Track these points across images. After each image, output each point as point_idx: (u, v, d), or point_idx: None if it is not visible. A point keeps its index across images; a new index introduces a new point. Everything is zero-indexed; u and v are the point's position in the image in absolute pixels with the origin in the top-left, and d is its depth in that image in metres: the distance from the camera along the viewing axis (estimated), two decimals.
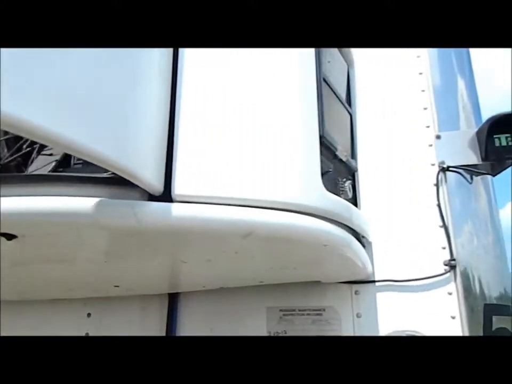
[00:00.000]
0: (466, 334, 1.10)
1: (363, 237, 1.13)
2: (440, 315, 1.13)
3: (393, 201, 1.26)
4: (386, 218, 1.24)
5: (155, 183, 0.73)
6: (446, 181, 1.24)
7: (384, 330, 1.15)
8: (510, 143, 1.18)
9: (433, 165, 1.26)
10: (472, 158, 1.23)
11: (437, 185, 1.24)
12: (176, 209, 0.73)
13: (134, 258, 0.87)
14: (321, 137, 0.91)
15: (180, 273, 1.04)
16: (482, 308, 1.13)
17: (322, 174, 0.92)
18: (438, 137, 1.27)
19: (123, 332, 1.30)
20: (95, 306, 1.34)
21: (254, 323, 1.23)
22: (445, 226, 1.20)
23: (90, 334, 1.33)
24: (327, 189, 0.92)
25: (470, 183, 1.27)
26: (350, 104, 1.20)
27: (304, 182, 0.83)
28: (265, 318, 1.23)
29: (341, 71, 1.21)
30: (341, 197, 1.00)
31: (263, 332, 1.22)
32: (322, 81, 0.96)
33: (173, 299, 1.31)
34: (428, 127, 1.30)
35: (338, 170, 1.04)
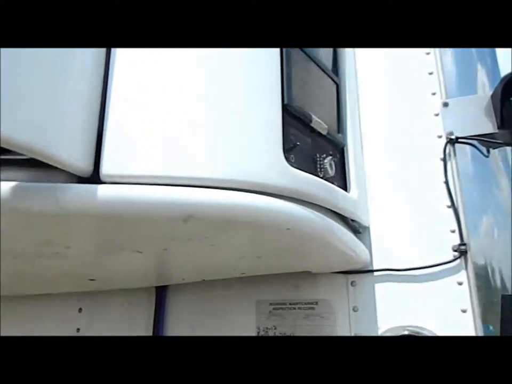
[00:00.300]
0: (480, 331, 0.94)
1: (353, 220, 0.99)
2: (448, 308, 0.98)
3: (394, 180, 1.11)
4: (387, 200, 1.10)
5: (80, 164, 0.65)
6: (455, 155, 1.08)
7: (384, 326, 1.01)
8: None
9: (440, 137, 1.10)
10: (486, 127, 1.06)
11: (444, 159, 1.08)
12: (102, 191, 0.64)
13: (76, 248, 0.80)
14: (285, 106, 0.80)
15: (149, 264, 0.96)
16: (499, 299, 0.97)
17: (289, 148, 0.81)
18: (445, 104, 1.11)
19: (113, 327, 1.26)
20: (86, 300, 1.31)
21: (243, 318, 1.13)
22: (453, 206, 1.04)
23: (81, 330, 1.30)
24: (298, 166, 0.81)
25: (487, 156, 1.10)
26: (337, 74, 1.06)
27: (257, 156, 0.72)
28: (254, 313, 1.13)
29: None
30: (318, 175, 0.88)
31: (252, 328, 1.12)
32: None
33: (161, 293, 1.25)
34: (434, 94, 1.13)
35: (317, 146, 0.91)
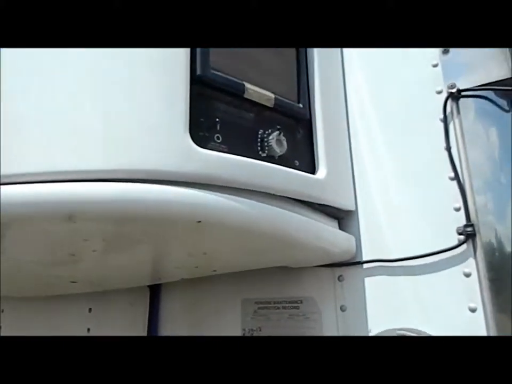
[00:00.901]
0: (493, 332, 0.73)
1: (327, 206, 0.83)
2: (453, 307, 0.78)
3: (385, 149, 0.92)
4: (377, 175, 0.91)
5: None
6: (458, 113, 0.85)
7: (375, 328, 0.84)
8: None
9: (439, 92, 0.88)
10: (498, 72, 0.82)
11: (444, 119, 0.86)
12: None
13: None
14: (199, 77, 0.68)
15: (103, 265, 0.90)
16: None
17: (209, 127, 0.69)
18: (445, 51, 0.88)
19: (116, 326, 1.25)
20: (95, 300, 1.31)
21: (229, 318, 1.03)
22: (457, 178, 0.82)
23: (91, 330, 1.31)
24: (228, 147, 0.69)
25: (508, 111, 0.85)
26: None
27: (151, 139, 0.61)
28: (240, 313, 1.03)
29: None
30: (259, 155, 0.74)
31: (237, 329, 1.01)
32: None
33: (154, 292, 1.20)
34: None
35: (261, 120, 0.77)
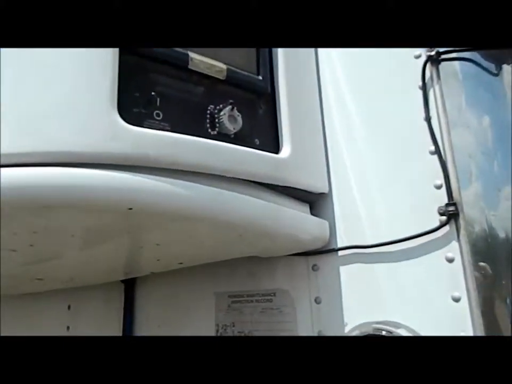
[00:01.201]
0: (479, 326, 0.64)
1: (293, 188, 0.75)
2: (435, 296, 0.69)
3: (360, 124, 0.83)
4: (350, 154, 0.83)
5: None
6: (439, 78, 0.75)
7: (352, 322, 0.76)
8: None
9: (418, 57, 0.78)
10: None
11: (423, 87, 0.76)
12: None
13: None
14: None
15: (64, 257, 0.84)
16: (509, 282, 0.65)
17: (147, 102, 0.61)
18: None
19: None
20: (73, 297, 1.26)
21: (202, 313, 0.96)
22: (438, 152, 0.73)
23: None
24: (171, 123, 0.62)
25: (496, 75, 0.76)
26: None
27: (63, 117, 0.53)
28: (213, 307, 0.96)
29: None
30: (212, 132, 0.66)
31: (211, 325, 0.95)
32: None
33: (129, 287, 1.14)
34: None
35: (213, 94, 0.69)
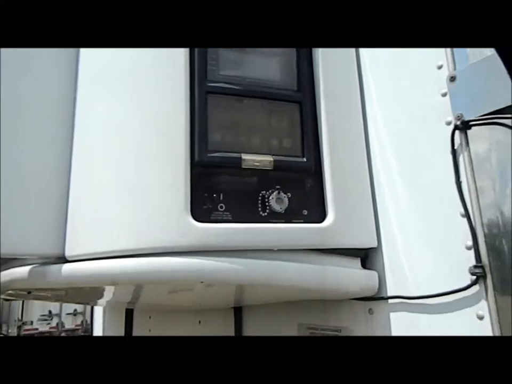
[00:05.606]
0: None
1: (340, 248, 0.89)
2: None
3: (402, 184, 0.92)
4: (394, 211, 0.92)
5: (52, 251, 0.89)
6: (467, 144, 0.80)
7: None
8: None
9: (449, 123, 0.84)
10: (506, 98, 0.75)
11: (453, 152, 0.82)
12: (65, 267, 0.86)
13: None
14: (198, 163, 0.83)
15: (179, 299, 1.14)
16: None
17: (212, 200, 0.84)
18: (452, 79, 0.83)
19: None
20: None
21: None
22: (467, 215, 0.79)
23: None
24: (232, 214, 0.84)
25: None
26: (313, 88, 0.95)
27: (160, 221, 0.79)
28: (296, 334, 1.15)
29: None
30: (262, 214, 0.86)
31: None
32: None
33: (237, 311, 1.40)
34: (441, 67, 0.87)
35: (263, 182, 0.88)
